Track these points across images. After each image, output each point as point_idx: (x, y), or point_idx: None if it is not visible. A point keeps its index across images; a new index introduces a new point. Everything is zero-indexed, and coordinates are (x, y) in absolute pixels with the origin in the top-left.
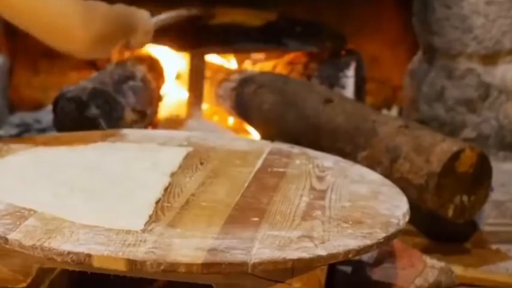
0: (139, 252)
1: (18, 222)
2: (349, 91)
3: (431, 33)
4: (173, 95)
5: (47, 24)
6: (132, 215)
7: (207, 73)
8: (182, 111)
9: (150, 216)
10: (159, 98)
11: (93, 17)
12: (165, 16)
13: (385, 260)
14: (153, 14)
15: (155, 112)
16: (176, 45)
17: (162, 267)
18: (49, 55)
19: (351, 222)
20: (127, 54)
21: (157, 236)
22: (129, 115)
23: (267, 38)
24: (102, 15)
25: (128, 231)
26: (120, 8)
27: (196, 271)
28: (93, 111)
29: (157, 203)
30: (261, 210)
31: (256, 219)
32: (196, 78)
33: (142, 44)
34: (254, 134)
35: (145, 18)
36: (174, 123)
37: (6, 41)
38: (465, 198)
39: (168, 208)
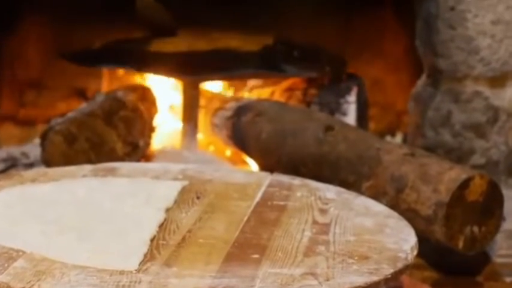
0: None
1: (6, 264)
2: (351, 117)
3: (436, 55)
4: (167, 126)
5: None
6: (126, 254)
7: (202, 101)
8: (176, 142)
9: (145, 255)
10: (152, 129)
11: None
12: None
13: None
14: None
15: (148, 144)
16: (169, 73)
17: None
18: (36, 86)
19: (356, 258)
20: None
21: (153, 276)
22: (120, 147)
23: (264, 64)
24: None
25: (122, 272)
26: None
27: None
28: (83, 144)
29: (152, 240)
30: (262, 247)
31: (256, 256)
32: (190, 107)
33: None
34: (252, 165)
35: None
36: (168, 155)
37: None
38: (476, 228)
39: (164, 246)
